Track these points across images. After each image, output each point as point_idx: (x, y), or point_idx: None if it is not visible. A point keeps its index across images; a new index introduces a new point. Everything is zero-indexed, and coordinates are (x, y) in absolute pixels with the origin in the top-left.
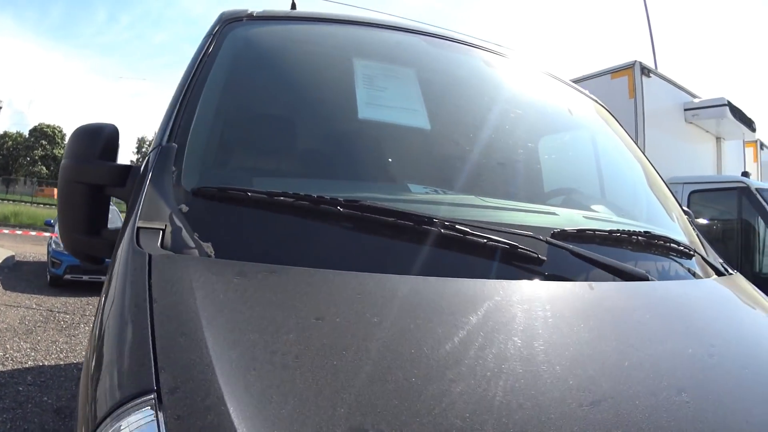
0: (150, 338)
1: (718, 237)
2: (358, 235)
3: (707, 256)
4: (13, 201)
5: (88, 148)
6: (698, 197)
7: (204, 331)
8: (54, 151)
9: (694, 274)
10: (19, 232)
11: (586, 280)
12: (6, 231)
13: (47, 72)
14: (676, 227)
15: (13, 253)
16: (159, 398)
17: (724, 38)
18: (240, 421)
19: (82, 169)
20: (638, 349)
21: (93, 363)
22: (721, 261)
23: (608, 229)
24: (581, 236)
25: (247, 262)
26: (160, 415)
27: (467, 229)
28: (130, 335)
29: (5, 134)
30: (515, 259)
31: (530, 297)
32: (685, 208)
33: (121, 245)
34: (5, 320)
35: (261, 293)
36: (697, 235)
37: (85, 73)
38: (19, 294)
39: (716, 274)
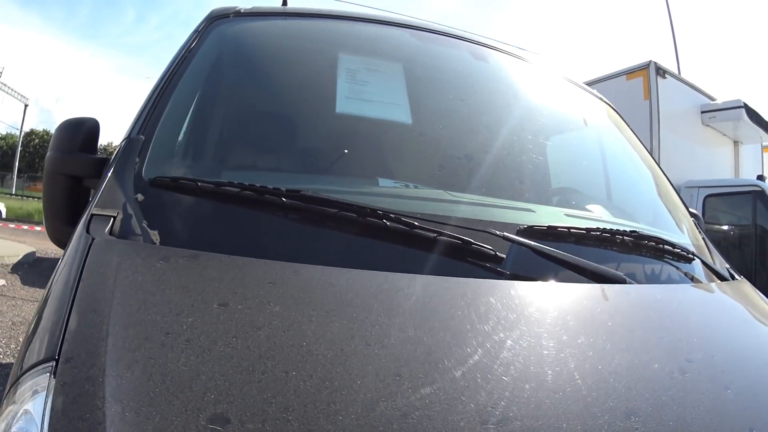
0: (67, 313)
1: (735, 243)
2: (298, 226)
3: (710, 260)
4: (38, 198)
5: (70, 141)
6: (713, 201)
7: (111, 309)
8: None
9: (691, 279)
10: (38, 229)
11: (552, 280)
12: (25, 227)
13: (74, 70)
14: (679, 230)
15: (34, 250)
16: (57, 366)
17: (747, 41)
18: (112, 393)
19: (63, 161)
20: (589, 359)
21: (28, 331)
22: (727, 266)
23: (586, 227)
24: (553, 234)
25: (173, 248)
26: (53, 380)
27: (414, 222)
28: (55, 309)
29: (32, 132)
30: (469, 255)
31: (472, 295)
32: (693, 211)
33: (76, 230)
34: (20, 314)
35: (177, 277)
36: (702, 238)
37: (113, 72)
38: (37, 289)
39: (719, 279)
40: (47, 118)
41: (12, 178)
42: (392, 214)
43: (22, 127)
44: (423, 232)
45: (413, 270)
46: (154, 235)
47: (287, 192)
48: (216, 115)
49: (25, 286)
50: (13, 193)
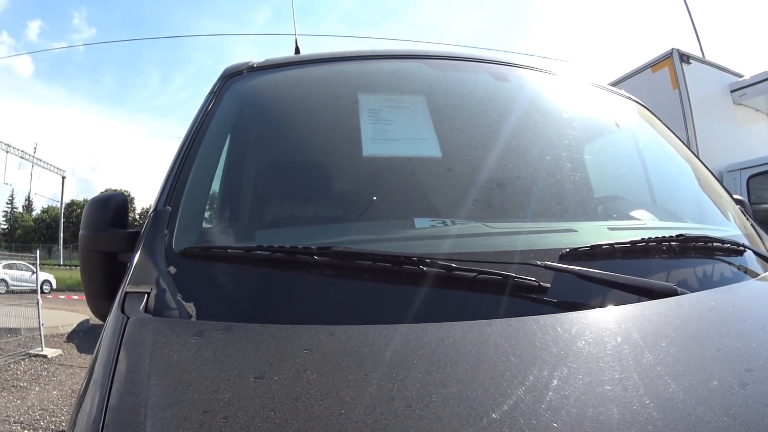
0: (106, 397)
1: None
2: (334, 283)
3: (762, 248)
4: None
5: (100, 218)
6: (758, 181)
7: (149, 391)
8: None
9: (745, 271)
10: None
11: (602, 304)
12: (75, 297)
13: (107, 138)
14: (726, 221)
15: (88, 317)
16: None
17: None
18: None
19: (96, 238)
20: (645, 390)
21: (72, 415)
22: None
23: (630, 240)
24: (596, 253)
25: (207, 321)
26: None
27: (452, 264)
28: (95, 393)
29: (72, 202)
30: (513, 291)
31: (516, 336)
32: (738, 197)
33: (112, 309)
34: (79, 382)
35: (212, 352)
36: (752, 224)
37: (145, 135)
38: None
39: None
40: (86, 188)
41: (58, 249)
42: (428, 258)
43: (62, 199)
44: (462, 273)
45: (455, 316)
46: (189, 308)
47: (318, 249)
48: (240, 176)
49: (82, 354)
50: (61, 263)
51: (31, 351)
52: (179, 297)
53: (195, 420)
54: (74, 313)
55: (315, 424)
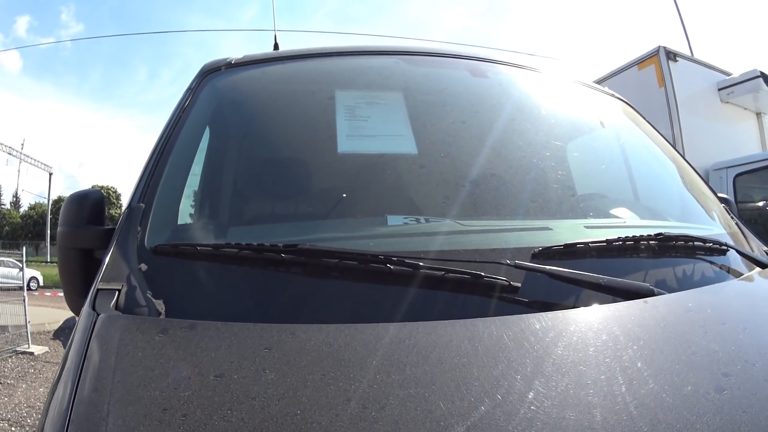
0: (73, 393)
1: None
2: (300, 281)
3: (746, 247)
4: None
5: (77, 215)
6: (744, 179)
7: (113, 388)
8: (110, 211)
9: (728, 272)
10: None
11: (574, 305)
12: (62, 294)
13: (94, 134)
14: (710, 220)
15: (74, 315)
16: None
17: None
18: None
19: (73, 235)
20: (611, 394)
21: (44, 406)
22: (766, 249)
23: (607, 238)
24: (570, 252)
25: (173, 319)
26: None
27: (419, 263)
28: (63, 389)
29: (60, 199)
30: (482, 290)
31: (480, 336)
32: (723, 196)
33: (84, 306)
34: None
35: (175, 350)
36: (736, 224)
37: (134, 131)
38: None
39: (759, 266)
40: (73, 184)
41: (45, 246)
42: (395, 257)
43: (49, 196)
44: (429, 271)
45: (420, 316)
46: (159, 305)
47: (284, 247)
48: (216, 173)
49: None
50: (48, 260)
51: (18, 348)
52: (149, 294)
53: (155, 417)
54: (61, 310)
55: (270, 424)
